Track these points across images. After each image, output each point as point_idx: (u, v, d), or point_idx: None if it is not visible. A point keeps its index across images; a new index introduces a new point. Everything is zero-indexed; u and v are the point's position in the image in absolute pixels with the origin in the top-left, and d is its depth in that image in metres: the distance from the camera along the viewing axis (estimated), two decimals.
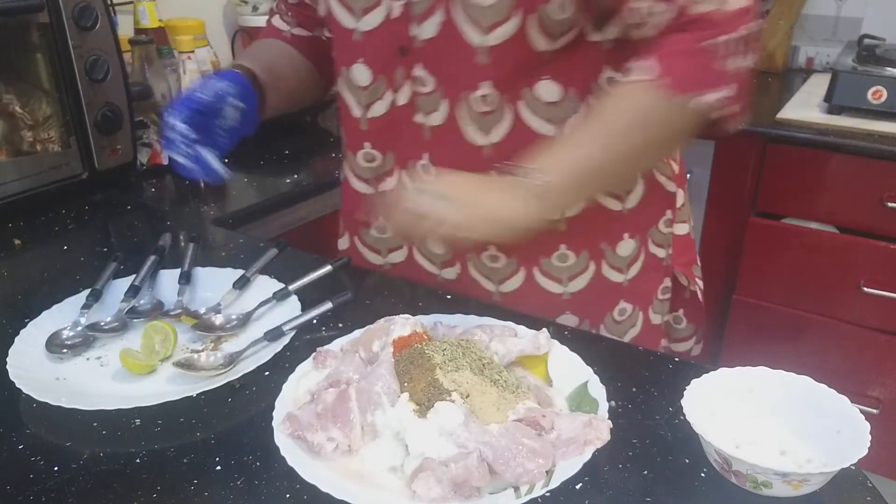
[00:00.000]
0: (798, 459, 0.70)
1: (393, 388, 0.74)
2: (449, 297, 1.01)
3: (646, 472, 0.70)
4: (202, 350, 0.90)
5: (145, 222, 1.36)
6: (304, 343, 0.87)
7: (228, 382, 0.82)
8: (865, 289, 1.88)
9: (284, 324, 0.89)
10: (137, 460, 0.73)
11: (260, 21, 2.03)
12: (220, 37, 2.11)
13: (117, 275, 1.03)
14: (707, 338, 1.21)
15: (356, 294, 0.95)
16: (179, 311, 0.96)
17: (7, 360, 0.85)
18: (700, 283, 1.11)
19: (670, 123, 0.87)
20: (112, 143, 1.43)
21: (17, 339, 0.89)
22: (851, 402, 0.70)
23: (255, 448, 0.73)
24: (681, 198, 1.09)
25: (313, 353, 0.83)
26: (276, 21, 1.15)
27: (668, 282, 1.08)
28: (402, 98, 0.95)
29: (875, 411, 1.93)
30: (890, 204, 1.81)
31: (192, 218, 1.39)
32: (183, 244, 1.16)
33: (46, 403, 0.78)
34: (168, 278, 1.03)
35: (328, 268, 1.01)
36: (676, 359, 0.86)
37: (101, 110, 1.39)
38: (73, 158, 1.39)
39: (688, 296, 1.11)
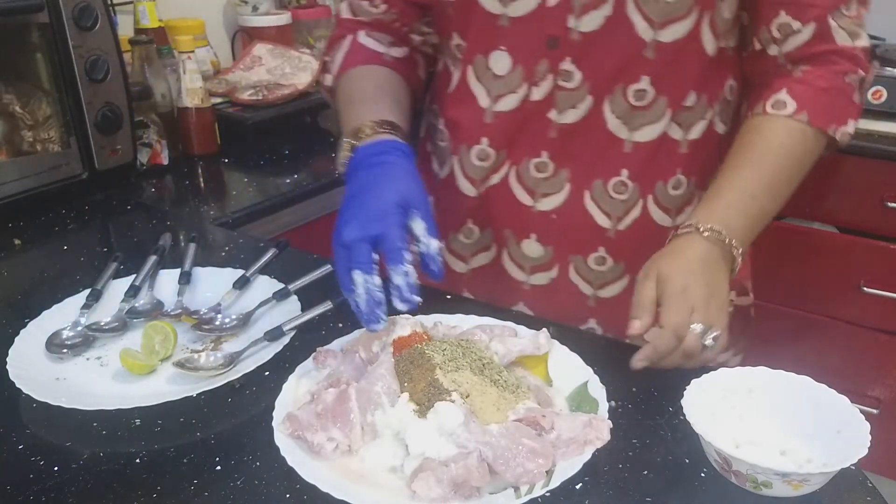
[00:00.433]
0: (798, 459, 0.70)
1: (393, 388, 0.74)
2: (449, 297, 1.01)
3: (646, 472, 0.69)
4: (202, 350, 0.90)
5: (145, 222, 1.36)
6: (304, 343, 0.87)
7: (228, 382, 0.81)
8: (865, 289, 1.88)
9: (284, 324, 0.89)
10: (137, 460, 0.73)
11: (260, 21, 2.03)
12: (220, 37, 2.11)
13: (117, 275, 1.03)
14: None
15: None
16: (179, 311, 0.96)
17: (7, 360, 0.85)
18: (751, 296, 1.09)
19: (815, 155, 0.90)
20: (112, 143, 1.43)
21: (17, 339, 0.88)
22: (851, 402, 0.70)
23: (255, 448, 0.73)
24: None
25: (313, 353, 0.83)
26: (365, 39, 1.02)
27: None
28: (538, 93, 0.92)
29: (875, 411, 1.93)
30: (890, 204, 1.81)
31: (192, 218, 1.39)
32: (183, 244, 1.16)
33: (46, 403, 0.78)
34: (168, 278, 1.03)
35: (328, 268, 1.01)
36: None
37: (101, 110, 1.39)
38: (73, 158, 1.39)
39: (732, 309, 1.09)
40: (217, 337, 0.92)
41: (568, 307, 1.01)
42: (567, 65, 0.89)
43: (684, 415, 0.69)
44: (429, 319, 0.88)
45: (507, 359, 0.81)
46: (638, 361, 0.77)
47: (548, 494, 0.66)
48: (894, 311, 1.88)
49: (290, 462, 0.68)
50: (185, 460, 0.73)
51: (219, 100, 1.78)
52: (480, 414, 0.72)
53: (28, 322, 0.92)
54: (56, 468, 0.72)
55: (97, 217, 1.36)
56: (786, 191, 0.89)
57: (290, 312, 0.93)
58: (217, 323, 0.94)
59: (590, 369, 0.80)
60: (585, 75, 0.89)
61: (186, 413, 0.79)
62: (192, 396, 0.80)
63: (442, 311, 0.90)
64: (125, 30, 1.73)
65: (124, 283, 1.01)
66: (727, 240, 0.81)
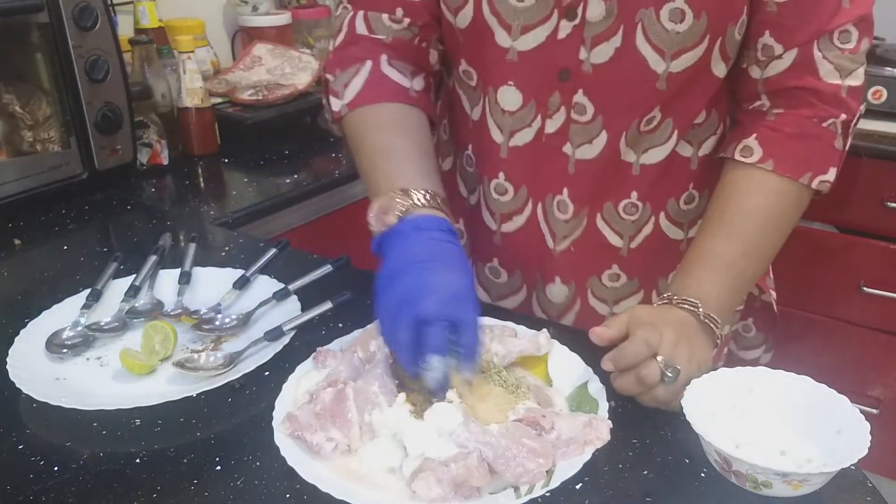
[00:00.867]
0: (798, 459, 0.70)
1: (390, 388, 0.74)
2: None
3: (646, 472, 0.69)
4: (202, 350, 0.90)
5: (145, 222, 1.36)
6: (304, 343, 0.87)
7: (228, 382, 0.81)
8: (865, 289, 1.88)
9: (284, 324, 0.89)
10: (137, 460, 0.73)
11: (260, 21, 2.03)
12: (220, 37, 2.11)
13: (117, 275, 1.03)
14: None
15: (356, 294, 0.95)
16: (179, 311, 0.96)
17: (7, 360, 0.85)
18: (773, 293, 1.09)
19: (798, 207, 0.88)
20: (112, 143, 1.43)
21: (17, 339, 0.88)
22: (851, 402, 0.70)
23: (255, 448, 0.73)
24: None
25: (313, 353, 0.83)
26: (388, 69, 0.92)
27: None
28: (552, 126, 0.90)
29: (875, 411, 1.93)
30: (890, 204, 1.81)
31: (192, 218, 1.39)
32: (183, 244, 1.16)
33: (46, 403, 0.78)
34: (168, 278, 1.03)
35: (328, 268, 1.01)
36: None
37: (101, 110, 1.39)
38: (73, 158, 1.39)
39: (758, 305, 1.08)
40: (217, 337, 0.92)
41: (586, 326, 1.01)
42: (580, 97, 0.87)
43: (684, 415, 0.69)
44: None
45: (507, 360, 0.81)
46: (606, 362, 0.76)
47: (548, 494, 0.66)
48: (894, 311, 1.87)
49: (290, 462, 0.68)
50: (185, 460, 0.73)
51: (219, 100, 1.77)
52: (481, 414, 0.72)
53: (28, 322, 0.92)
54: (56, 468, 0.72)
55: (97, 217, 1.36)
56: (768, 250, 0.87)
57: (290, 312, 0.93)
58: (217, 323, 0.94)
59: (590, 369, 0.80)
60: (598, 108, 0.87)
61: (186, 413, 0.79)
62: (192, 396, 0.80)
63: None
64: (125, 30, 1.73)
65: (124, 283, 1.01)
66: (702, 313, 0.80)
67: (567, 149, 0.91)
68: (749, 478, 0.65)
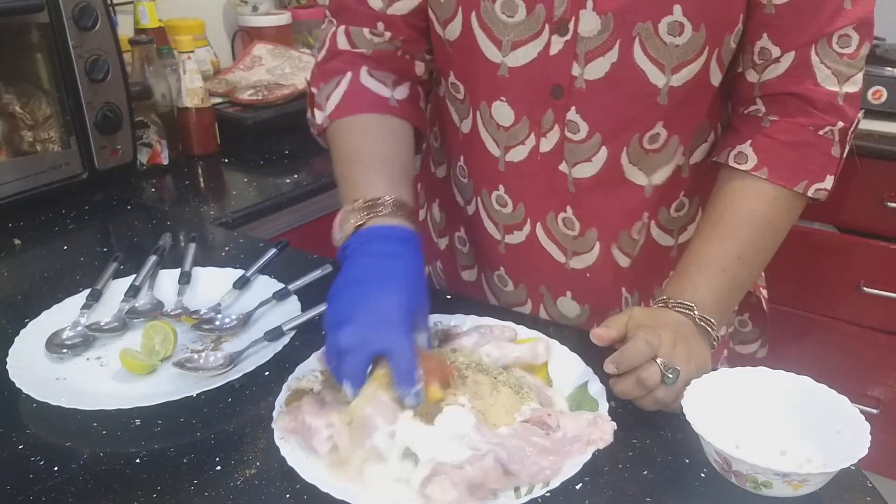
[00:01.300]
0: (798, 459, 0.70)
1: (384, 402, 0.70)
2: (449, 296, 1.01)
3: (646, 472, 0.69)
4: (202, 350, 0.90)
5: (145, 222, 1.36)
6: (304, 343, 0.87)
7: (228, 382, 0.81)
8: (865, 289, 1.88)
9: (284, 324, 0.89)
10: (137, 460, 0.73)
11: (260, 21, 2.03)
12: (220, 37, 2.11)
13: (117, 275, 1.03)
14: None
15: None
16: (179, 311, 0.96)
17: (7, 360, 0.84)
18: (764, 291, 1.09)
19: (793, 214, 0.87)
20: (112, 143, 1.43)
21: (17, 339, 0.88)
22: (851, 402, 0.70)
23: (255, 448, 0.73)
24: None
25: (317, 355, 0.83)
26: (367, 80, 0.92)
27: None
28: (547, 145, 0.88)
29: (875, 411, 1.93)
30: (890, 204, 1.81)
31: (192, 218, 1.39)
32: (183, 244, 1.16)
33: (46, 403, 0.78)
34: (168, 278, 1.03)
35: (328, 268, 1.01)
36: None
37: (101, 110, 1.39)
38: (73, 158, 1.39)
39: (754, 300, 1.08)
40: (217, 337, 0.92)
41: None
42: (572, 115, 0.85)
43: (684, 415, 0.69)
44: (429, 320, 0.87)
45: (500, 363, 0.80)
46: (608, 364, 0.75)
47: (548, 494, 0.66)
48: (894, 311, 1.87)
49: (290, 462, 0.68)
50: (185, 460, 0.73)
51: (219, 100, 1.78)
52: (489, 417, 0.71)
53: (28, 322, 0.92)
54: (56, 468, 0.72)
55: (97, 217, 1.36)
56: (762, 254, 0.87)
57: (290, 312, 0.93)
58: (217, 323, 0.94)
59: (590, 370, 0.80)
60: (592, 126, 0.86)
61: (186, 413, 0.79)
62: (192, 396, 0.79)
63: (442, 311, 0.90)
64: (125, 30, 1.73)
65: (124, 283, 1.01)
66: (697, 315, 0.80)
67: (563, 167, 0.90)
68: (749, 478, 0.65)
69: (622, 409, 0.77)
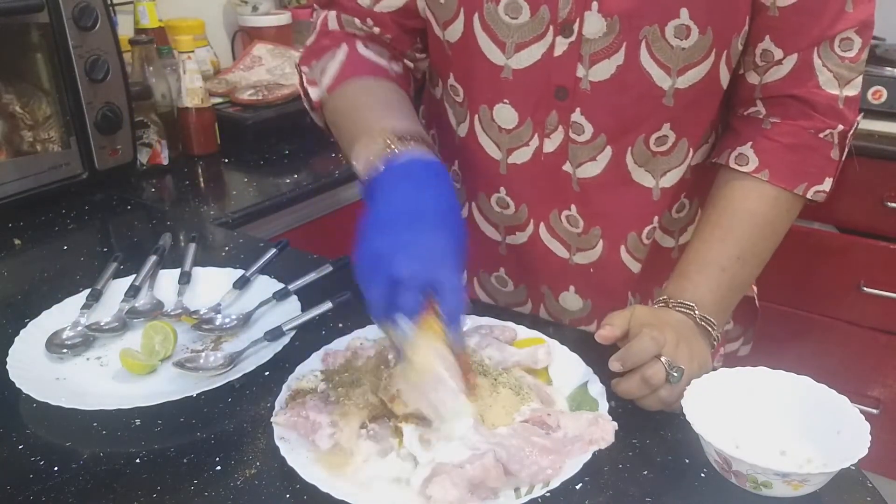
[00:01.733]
0: (798, 459, 0.70)
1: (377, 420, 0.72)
2: None
3: (646, 472, 0.69)
4: (202, 350, 0.90)
5: (145, 222, 1.36)
6: (304, 343, 0.87)
7: (228, 382, 0.81)
8: (865, 289, 1.88)
9: (284, 324, 0.89)
10: (137, 460, 0.73)
11: (260, 21, 2.03)
12: (220, 37, 2.11)
13: (117, 275, 1.03)
14: None
15: (356, 294, 0.95)
16: (179, 311, 0.96)
17: (7, 360, 0.84)
18: (755, 288, 1.09)
19: (792, 215, 0.88)
20: (112, 143, 1.43)
21: (17, 339, 0.88)
22: (851, 402, 0.70)
23: (255, 448, 0.73)
24: None
25: (320, 355, 0.83)
26: (364, 50, 0.91)
27: None
28: (551, 146, 0.88)
29: (875, 411, 1.93)
30: (890, 204, 1.81)
31: (192, 218, 1.39)
32: (183, 244, 1.16)
33: (46, 403, 0.78)
34: (168, 278, 1.03)
35: (328, 268, 1.01)
36: None
37: (101, 110, 1.39)
38: (73, 158, 1.39)
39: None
40: (217, 337, 0.92)
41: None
42: (577, 116, 0.85)
43: (684, 415, 0.69)
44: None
45: (501, 366, 0.80)
46: (614, 362, 0.75)
47: (548, 494, 0.66)
48: (894, 311, 1.87)
49: (290, 462, 0.68)
50: (185, 460, 0.73)
51: (219, 100, 1.77)
52: (489, 418, 0.71)
53: (28, 322, 0.92)
54: (56, 468, 0.72)
55: (97, 217, 1.36)
56: (762, 254, 0.87)
57: (290, 312, 0.93)
58: (217, 323, 0.94)
59: (590, 370, 0.80)
60: (597, 128, 0.85)
61: (186, 413, 0.79)
62: (192, 396, 0.79)
63: None
64: (125, 30, 1.73)
65: (124, 283, 1.01)
66: (697, 314, 0.80)
67: (567, 167, 0.90)
68: (749, 478, 0.65)
69: (622, 409, 0.76)
